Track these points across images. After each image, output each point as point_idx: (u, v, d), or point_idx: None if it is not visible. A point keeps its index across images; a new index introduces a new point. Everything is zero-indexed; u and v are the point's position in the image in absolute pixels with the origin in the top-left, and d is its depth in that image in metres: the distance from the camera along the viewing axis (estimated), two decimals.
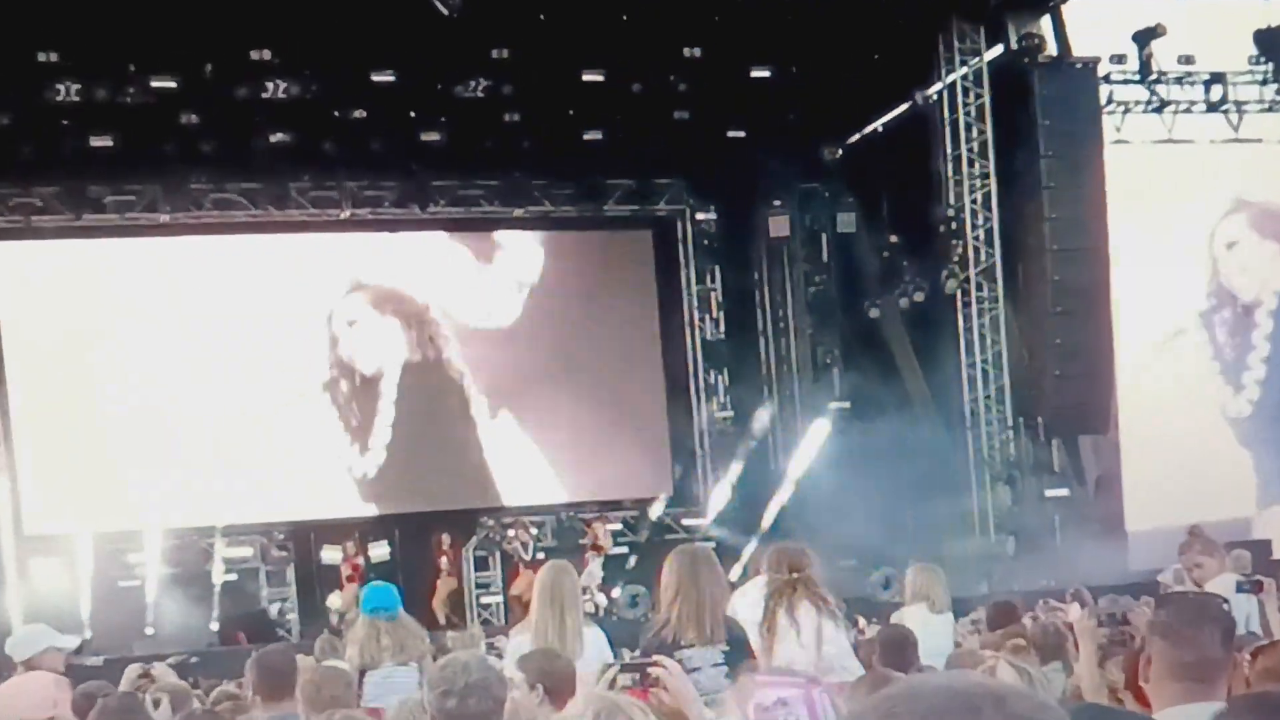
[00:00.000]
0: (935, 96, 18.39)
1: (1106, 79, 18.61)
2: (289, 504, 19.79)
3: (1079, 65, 18.05)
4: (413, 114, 18.05)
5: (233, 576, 19.02)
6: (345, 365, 20.21)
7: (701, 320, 21.85)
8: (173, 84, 16.40)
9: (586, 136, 18.77)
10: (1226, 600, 4.17)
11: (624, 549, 19.71)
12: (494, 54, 16.85)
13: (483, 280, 20.77)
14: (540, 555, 17.50)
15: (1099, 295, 17.90)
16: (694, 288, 21.80)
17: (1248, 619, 6.78)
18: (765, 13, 16.81)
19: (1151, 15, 18.33)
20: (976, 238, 18.24)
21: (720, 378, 21.98)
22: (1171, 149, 19.41)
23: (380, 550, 19.02)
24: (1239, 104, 19.41)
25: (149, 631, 17.70)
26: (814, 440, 19.66)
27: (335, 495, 19.98)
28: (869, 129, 20.06)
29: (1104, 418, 18.46)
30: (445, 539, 19.67)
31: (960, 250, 18.20)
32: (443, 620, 17.97)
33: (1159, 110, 19.22)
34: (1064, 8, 17.99)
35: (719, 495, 20.88)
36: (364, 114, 17.50)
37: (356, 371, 20.25)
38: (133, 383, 19.01)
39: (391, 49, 16.62)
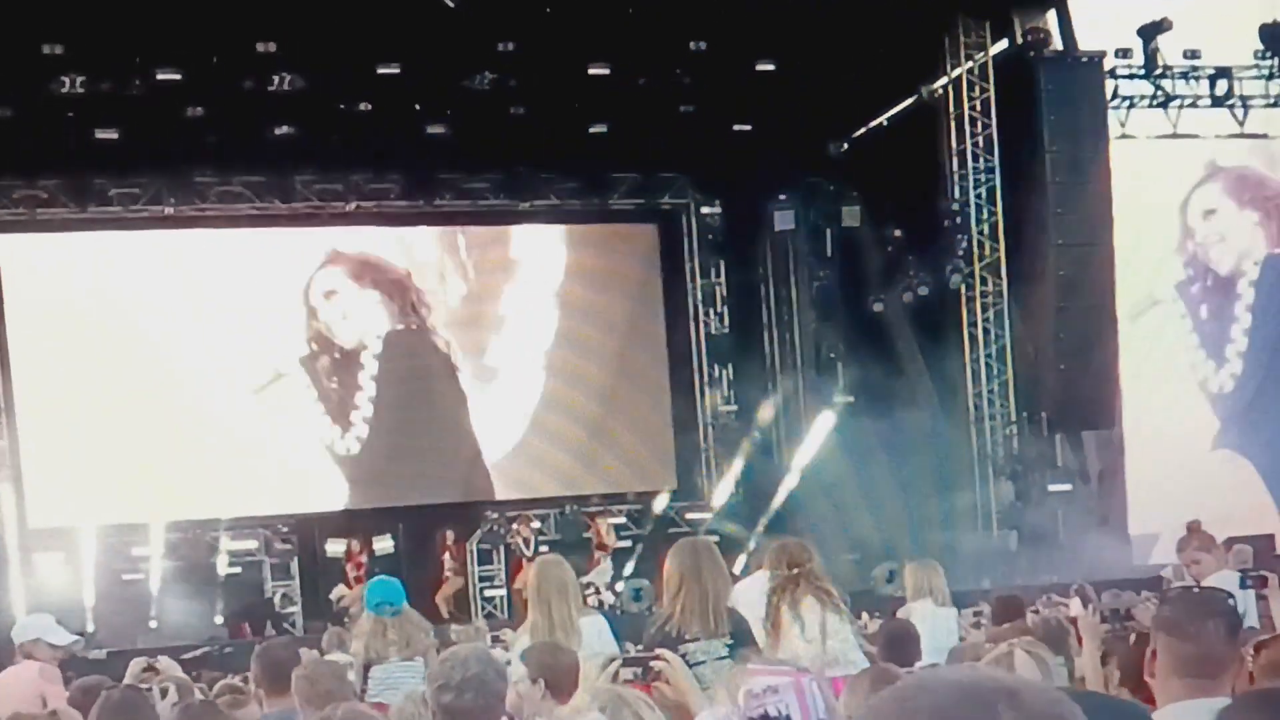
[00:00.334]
0: (940, 91, 18.37)
1: (1112, 73, 18.56)
2: (293, 497, 19.80)
3: (1084, 60, 18.01)
4: (418, 107, 18.04)
5: (237, 569, 19.02)
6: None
7: (706, 314, 21.84)
8: (177, 76, 16.36)
9: (592, 130, 18.75)
10: (1232, 595, 4.16)
11: (627, 543, 19.72)
12: (500, 47, 16.82)
13: (489, 274, 20.77)
14: (543, 549, 17.51)
15: (1103, 290, 17.87)
16: (698, 281, 21.80)
17: (1244, 614, 6.78)
18: (770, 6, 16.77)
19: (1157, 9, 18.29)
20: (981, 232, 18.22)
21: (724, 372, 21.97)
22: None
23: (384, 544, 19.02)
24: (1245, 99, 19.35)
25: (153, 625, 17.72)
26: (818, 434, 19.66)
27: (337, 488, 19.99)
28: (874, 123, 20.04)
29: (1108, 413, 18.44)
30: (449, 534, 19.67)
31: (965, 245, 18.19)
32: (446, 615, 17.97)
33: (1164, 105, 19.18)
34: (1070, 2, 17.95)
35: (723, 489, 20.88)
36: (369, 107, 17.47)
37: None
38: (137, 375, 19.01)
39: (397, 42, 16.59)
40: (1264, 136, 19.63)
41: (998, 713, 1.45)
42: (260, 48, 16.33)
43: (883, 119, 19.89)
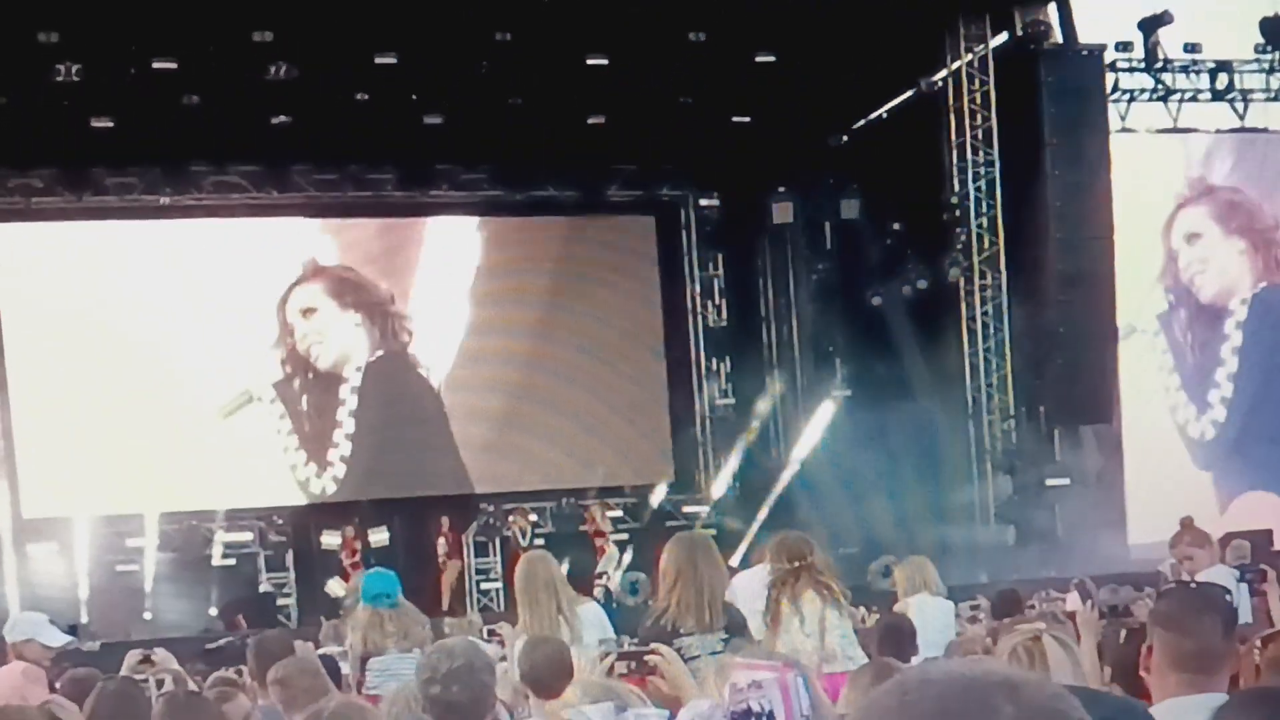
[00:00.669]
0: (940, 83, 18.32)
1: (1112, 67, 18.53)
2: (288, 488, 19.75)
3: (1084, 53, 17.96)
4: (415, 97, 17.97)
5: (231, 561, 18.99)
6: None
7: (704, 306, 21.81)
8: (174, 65, 16.28)
9: (590, 121, 18.70)
10: (1229, 591, 4.14)
11: (624, 535, 19.69)
12: (497, 37, 16.76)
13: (486, 264, 20.72)
14: (539, 541, 17.49)
15: (1103, 284, 17.81)
16: (696, 274, 21.76)
17: (1238, 609, 6.75)
18: None
19: (1158, 2, 18.27)
20: (980, 225, 18.17)
21: (722, 364, 21.94)
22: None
23: (380, 536, 18.99)
24: (1245, 92, 19.33)
25: (147, 616, 17.69)
26: (816, 428, 19.63)
27: (330, 481, 19.96)
28: (874, 116, 20.00)
29: (1106, 408, 18.40)
30: (445, 525, 19.63)
31: (964, 238, 18.15)
32: (444, 607, 17.94)
33: (1164, 99, 19.15)
34: None
35: (720, 482, 20.86)
36: (366, 97, 17.41)
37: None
38: (132, 365, 18.96)
39: (394, 32, 16.53)
40: (1264, 130, 19.58)
41: (998, 706, 1.45)
42: (257, 37, 16.26)
43: (882, 112, 19.85)
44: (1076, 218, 17.56)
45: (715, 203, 21.69)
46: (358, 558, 18.08)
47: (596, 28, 16.92)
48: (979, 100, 18.06)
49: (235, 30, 16.17)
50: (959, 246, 18.16)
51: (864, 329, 19.61)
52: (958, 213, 18.17)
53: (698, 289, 21.77)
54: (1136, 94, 19.04)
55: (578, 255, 21.07)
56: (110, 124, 17.15)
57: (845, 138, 20.34)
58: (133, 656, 7.38)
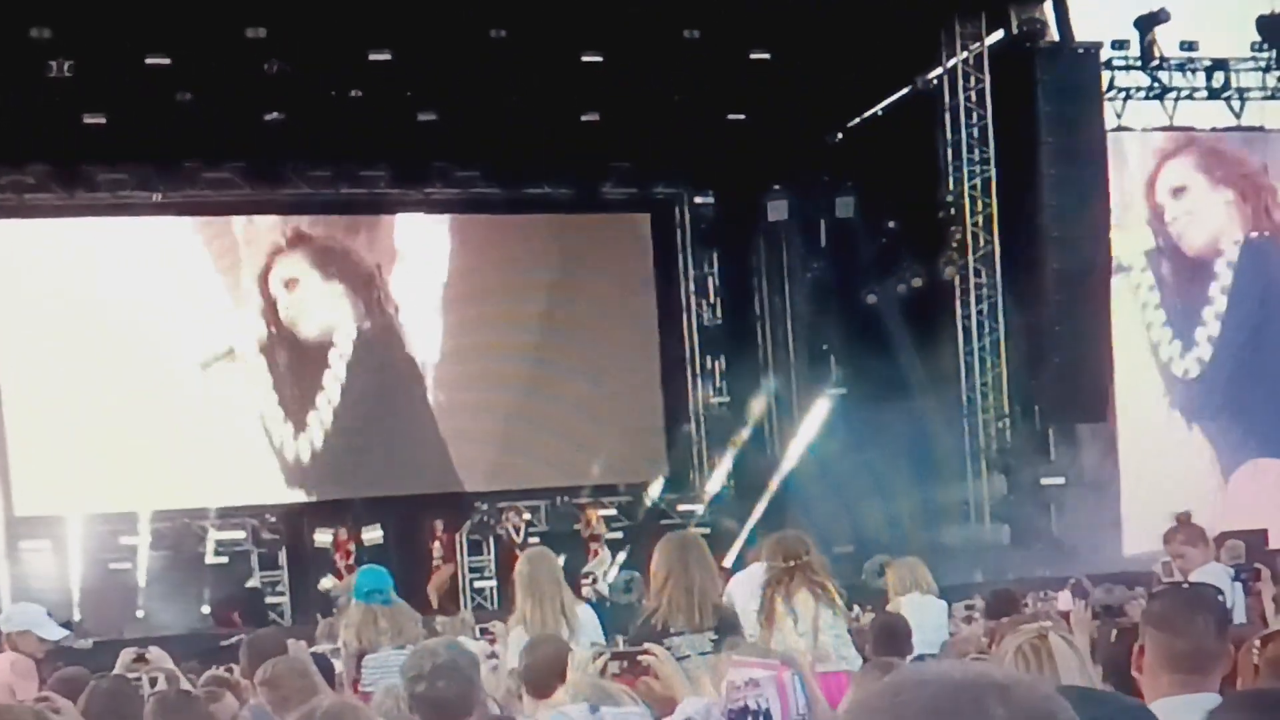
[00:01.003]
0: (936, 81, 18.31)
1: (1108, 65, 18.52)
2: (281, 487, 19.72)
3: (1081, 50, 17.95)
4: (409, 94, 17.93)
5: (224, 559, 18.95)
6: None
7: (698, 305, 21.79)
8: (167, 61, 16.24)
9: (584, 118, 18.67)
10: (1221, 591, 4.12)
11: (618, 534, 19.66)
12: (492, 34, 16.72)
13: (479, 261, 20.68)
14: (533, 540, 17.45)
15: (1098, 283, 17.80)
16: (691, 272, 21.74)
17: (1232, 609, 6.72)
18: None
19: (1154, 0, 18.25)
20: (975, 224, 18.16)
21: (717, 363, 21.92)
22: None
23: (373, 534, 18.96)
24: (1241, 91, 19.32)
25: (140, 614, 17.64)
26: (810, 426, 19.61)
27: (321, 479, 19.93)
28: (869, 114, 19.98)
29: (1101, 406, 18.38)
30: (439, 524, 19.61)
31: (959, 236, 18.13)
32: (436, 605, 17.91)
33: (1160, 97, 19.13)
34: None
35: (714, 481, 20.84)
36: (360, 94, 17.38)
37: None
38: (125, 363, 18.92)
39: (388, 28, 16.49)
40: (1260, 129, 19.56)
41: (989, 708, 1.46)
42: (250, 33, 16.21)
43: (878, 109, 19.83)
44: (1072, 216, 17.54)
45: (710, 200, 21.67)
46: (351, 559, 18.04)
47: (591, 25, 16.89)
48: (974, 98, 18.04)
49: (228, 26, 16.12)
50: (954, 245, 18.14)
51: (859, 327, 19.59)
52: (953, 211, 18.15)
53: (692, 287, 21.75)
54: (1133, 92, 19.03)
55: (572, 253, 21.03)
56: (103, 120, 17.10)
57: (840, 136, 20.32)
58: (127, 655, 7.33)
